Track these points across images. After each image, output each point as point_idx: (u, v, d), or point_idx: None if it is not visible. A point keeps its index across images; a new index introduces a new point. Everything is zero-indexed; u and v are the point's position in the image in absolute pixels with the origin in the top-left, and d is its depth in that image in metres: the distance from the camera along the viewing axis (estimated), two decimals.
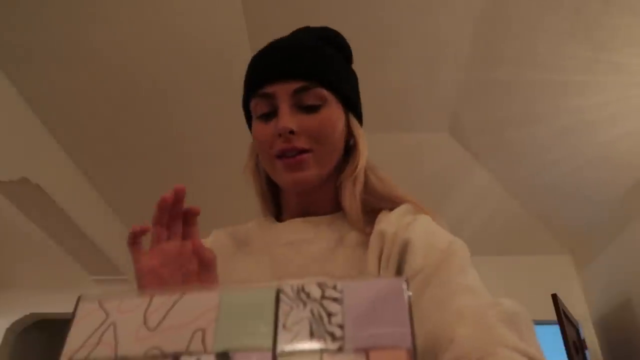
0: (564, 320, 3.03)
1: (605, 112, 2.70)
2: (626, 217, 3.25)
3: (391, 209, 0.72)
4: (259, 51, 0.78)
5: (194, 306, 0.31)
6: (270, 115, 0.72)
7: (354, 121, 0.77)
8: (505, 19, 2.42)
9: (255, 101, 0.74)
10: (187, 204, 0.68)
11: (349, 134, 0.76)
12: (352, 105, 0.77)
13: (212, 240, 0.84)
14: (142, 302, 0.33)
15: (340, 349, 0.27)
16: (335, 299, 0.29)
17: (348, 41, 0.85)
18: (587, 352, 3.40)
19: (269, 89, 0.71)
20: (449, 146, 3.25)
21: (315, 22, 2.62)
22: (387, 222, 0.68)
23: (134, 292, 0.33)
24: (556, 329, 3.07)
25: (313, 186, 0.73)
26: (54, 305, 3.90)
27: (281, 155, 0.70)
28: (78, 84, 2.59)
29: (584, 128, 2.84)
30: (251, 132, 0.80)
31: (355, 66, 0.88)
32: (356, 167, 0.74)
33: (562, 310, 3.10)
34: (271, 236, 0.77)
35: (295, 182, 0.71)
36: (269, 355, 0.27)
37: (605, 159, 2.99)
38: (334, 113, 0.73)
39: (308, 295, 0.29)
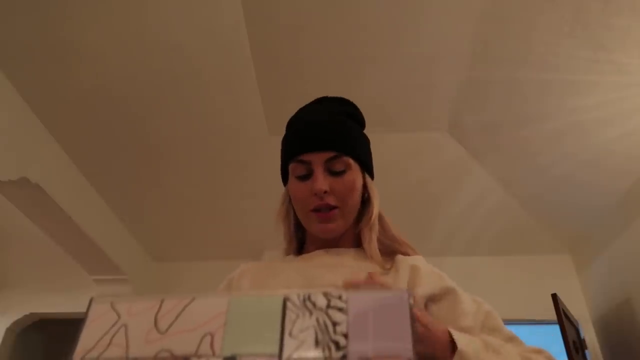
0: (563, 320, 3.04)
1: (605, 112, 2.70)
2: (626, 217, 3.26)
3: (402, 253, 0.92)
4: (295, 123, 0.98)
5: (204, 311, 0.32)
6: (306, 177, 0.90)
7: (368, 179, 0.96)
8: (504, 19, 2.42)
9: (294, 165, 0.92)
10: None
11: (364, 189, 0.95)
12: (367, 167, 0.96)
13: (243, 269, 0.97)
14: (153, 305, 0.34)
15: (344, 358, 0.27)
16: (340, 309, 0.29)
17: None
18: (587, 352, 3.40)
19: (306, 157, 0.90)
20: (449, 146, 3.25)
21: (315, 23, 2.62)
22: (414, 261, 0.87)
23: (145, 295, 0.34)
24: (556, 328, 3.08)
25: (338, 234, 0.92)
26: (54, 305, 3.91)
27: (315, 210, 0.89)
28: (78, 84, 2.59)
29: (584, 128, 2.84)
30: (285, 186, 0.99)
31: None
32: (371, 217, 0.93)
33: (562, 310, 3.10)
34: (301, 263, 0.94)
35: (326, 232, 0.90)
36: None
37: (605, 158, 2.99)
38: (355, 176, 0.91)
39: (314, 304, 0.30)
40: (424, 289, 0.80)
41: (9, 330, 3.93)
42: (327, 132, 0.91)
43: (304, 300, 0.29)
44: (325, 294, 0.29)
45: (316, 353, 0.27)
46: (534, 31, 2.43)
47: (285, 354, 0.27)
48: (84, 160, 3.07)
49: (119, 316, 0.33)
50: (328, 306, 0.29)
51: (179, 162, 3.22)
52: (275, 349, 0.27)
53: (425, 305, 0.79)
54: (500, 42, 2.53)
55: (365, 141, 1.00)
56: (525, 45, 2.50)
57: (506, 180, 3.47)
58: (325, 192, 0.87)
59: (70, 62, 2.48)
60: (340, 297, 0.29)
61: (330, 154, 0.89)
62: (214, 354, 0.29)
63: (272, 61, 2.68)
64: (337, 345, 0.27)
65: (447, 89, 2.86)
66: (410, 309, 0.28)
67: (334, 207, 0.88)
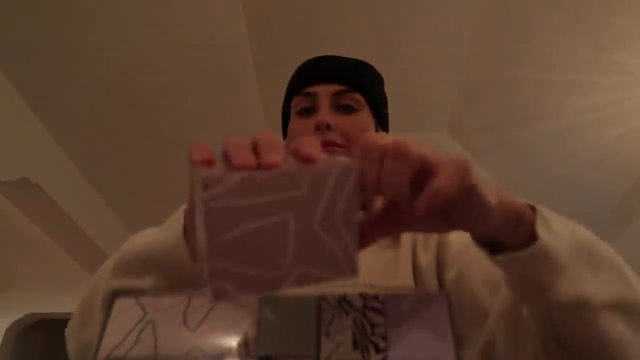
0: None
1: (605, 112, 2.71)
2: (626, 218, 3.26)
3: None
4: (306, 61, 0.85)
5: (234, 310, 0.31)
6: (309, 110, 0.76)
7: (380, 130, 0.83)
8: (505, 19, 2.42)
9: (297, 99, 0.78)
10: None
11: None
12: (380, 116, 0.83)
13: None
14: (180, 301, 0.33)
15: None
16: (377, 310, 0.28)
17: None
18: None
19: (312, 89, 0.76)
20: (449, 146, 3.25)
21: (315, 23, 2.63)
22: None
23: (168, 292, 0.32)
24: None
25: None
26: (54, 305, 3.90)
27: None
28: (78, 84, 2.58)
29: (584, 128, 2.85)
30: (284, 133, 0.84)
31: None
32: None
33: None
34: None
35: None
36: None
37: (605, 159, 2.99)
38: (366, 118, 0.78)
39: (350, 304, 0.29)
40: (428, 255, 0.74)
41: (9, 330, 3.92)
42: (339, 64, 0.79)
43: (339, 301, 0.29)
44: (362, 295, 0.29)
45: (355, 355, 0.26)
46: (534, 31, 2.43)
47: (323, 355, 0.26)
48: (84, 160, 3.06)
49: (145, 312, 0.32)
50: (364, 307, 0.28)
51: (180, 163, 3.20)
52: (312, 350, 0.27)
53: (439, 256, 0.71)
54: (501, 42, 2.53)
55: (383, 92, 0.85)
56: (526, 45, 2.50)
57: (506, 180, 3.47)
58: (329, 126, 0.71)
59: (70, 62, 2.47)
60: (377, 298, 0.28)
61: (340, 87, 0.75)
62: (248, 354, 0.29)
63: (272, 61, 2.68)
64: (377, 348, 0.26)
65: (447, 89, 2.86)
66: (450, 310, 0.28)
67: (339, 145, 0.72)
